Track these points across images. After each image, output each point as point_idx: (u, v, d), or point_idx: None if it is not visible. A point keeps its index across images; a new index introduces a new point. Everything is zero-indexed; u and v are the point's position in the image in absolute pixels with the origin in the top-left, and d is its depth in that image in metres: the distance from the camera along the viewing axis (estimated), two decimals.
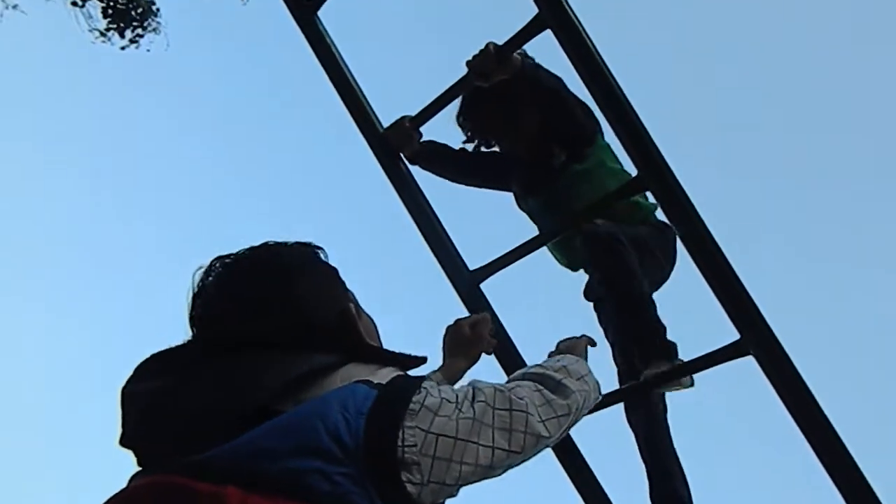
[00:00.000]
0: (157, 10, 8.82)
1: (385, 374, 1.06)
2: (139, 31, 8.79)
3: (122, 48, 8.80)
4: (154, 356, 1.11)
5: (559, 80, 2.08)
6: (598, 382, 1.38)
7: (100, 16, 8.68)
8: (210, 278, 1.19)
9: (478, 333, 1.70)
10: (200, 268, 1.21)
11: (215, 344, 1.10)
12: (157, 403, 1.04)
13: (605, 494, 1.84)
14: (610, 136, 2.11)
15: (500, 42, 1.85)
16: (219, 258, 1.21)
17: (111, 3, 8.65)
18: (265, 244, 1.23)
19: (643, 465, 2.01)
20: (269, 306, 1.14)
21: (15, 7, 8.30)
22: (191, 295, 1.19)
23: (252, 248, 1.22)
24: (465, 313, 1.89)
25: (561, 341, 1.64)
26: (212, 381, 1.04)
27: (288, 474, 0.90)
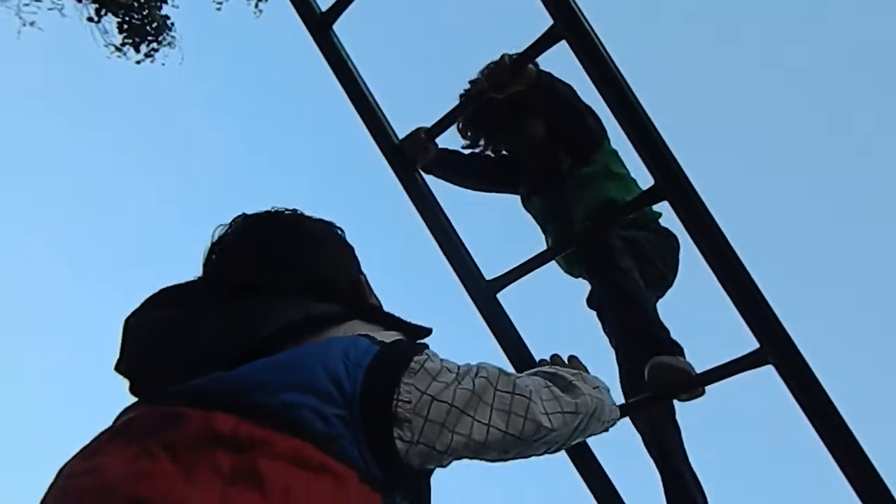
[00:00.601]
0: (172, 24, 8.94)
1: (388, 336, 1.05)
2: (154, 45, 8.90)
3: (138, 62, 8.93)
4: (163, 289, 1.12)
5: (571, 88, 2.09)
6: (615, 404, 1.34)
7: (115, 31, 8.80)
8: (230, 230, 1.20)
9: None
10: (221, 225, 1.21)
11: (225, 285, 1.11)
12: (160, 332, 1.04)
13: (619, 495, 1.82)
14: (620, 141, 2.11)
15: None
16: (242, 214, 1.22)
17: (126, 19, 8.75)
18: (290, 209, 1.24)
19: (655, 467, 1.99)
20: (284, 261, 1.15)
21: (32, 24, 8.42)
22: (209, 244, 1.20)
23: (276, 210, 1.23)
24: (482, 323, 1.89)
25: (545, 361, 1.57)
26: (217, 315, 1.04)
27: (282, 407, 0.90)
